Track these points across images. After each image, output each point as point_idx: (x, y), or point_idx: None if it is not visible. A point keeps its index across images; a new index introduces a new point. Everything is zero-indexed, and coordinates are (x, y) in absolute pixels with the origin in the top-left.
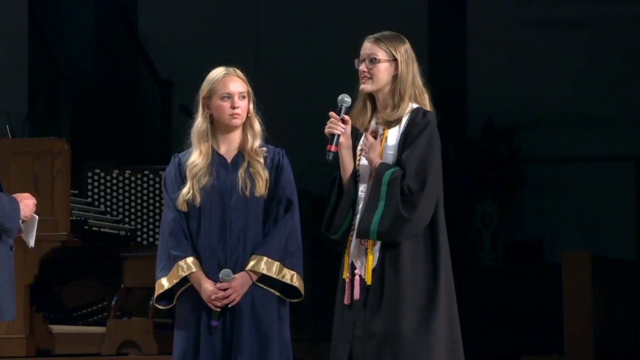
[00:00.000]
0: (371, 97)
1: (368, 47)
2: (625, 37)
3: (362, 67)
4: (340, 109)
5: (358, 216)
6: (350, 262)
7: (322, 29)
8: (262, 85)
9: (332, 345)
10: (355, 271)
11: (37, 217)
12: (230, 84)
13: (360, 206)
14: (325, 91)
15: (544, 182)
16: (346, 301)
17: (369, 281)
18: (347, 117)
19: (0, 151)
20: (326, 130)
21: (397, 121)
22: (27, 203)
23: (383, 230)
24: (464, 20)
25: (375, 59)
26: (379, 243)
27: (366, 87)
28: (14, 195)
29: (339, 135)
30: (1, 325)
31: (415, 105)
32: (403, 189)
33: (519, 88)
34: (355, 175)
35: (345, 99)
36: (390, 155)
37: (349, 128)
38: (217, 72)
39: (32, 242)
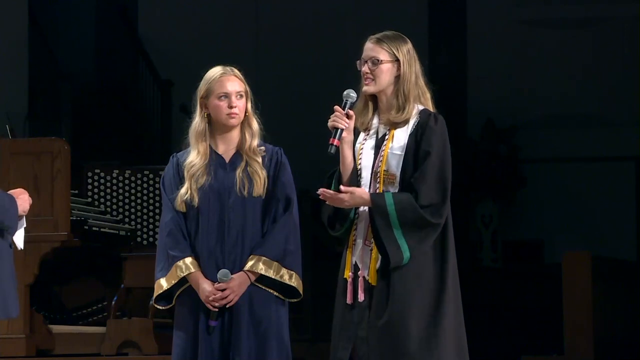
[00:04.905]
0: (373, 97)
1: (370, 47)
2: (625, 37)
3: (365, 68)
4: (345, 103)
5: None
6: (354, 262)
7: (322, 29)
8: (261, 84)
9: (332, 345)
10: (359, 272)
11: (24, 218)
12: (227, 84)
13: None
14: (325, 91)
15: (544, 182)
16: (349, 300)
17: (373, 282)
18: (351, 112)
19: (0, 151)
20: (329, 123)
21: (404, 122)
22: (24, 198)
23: (415, 250)
24: (464, 20)
25: (378, 60)
26: None
27: (369, 88)
28: (9, 192)
29: (342, 130)
30: (1, 325)
31: (421, 107)
32: (422, 203)
33: (519, 88)
34: (356, 173)
35: (351, 94)
36: (396, 155)
37: (352, 123)
38: (214, 71)
39: (20, 244)
